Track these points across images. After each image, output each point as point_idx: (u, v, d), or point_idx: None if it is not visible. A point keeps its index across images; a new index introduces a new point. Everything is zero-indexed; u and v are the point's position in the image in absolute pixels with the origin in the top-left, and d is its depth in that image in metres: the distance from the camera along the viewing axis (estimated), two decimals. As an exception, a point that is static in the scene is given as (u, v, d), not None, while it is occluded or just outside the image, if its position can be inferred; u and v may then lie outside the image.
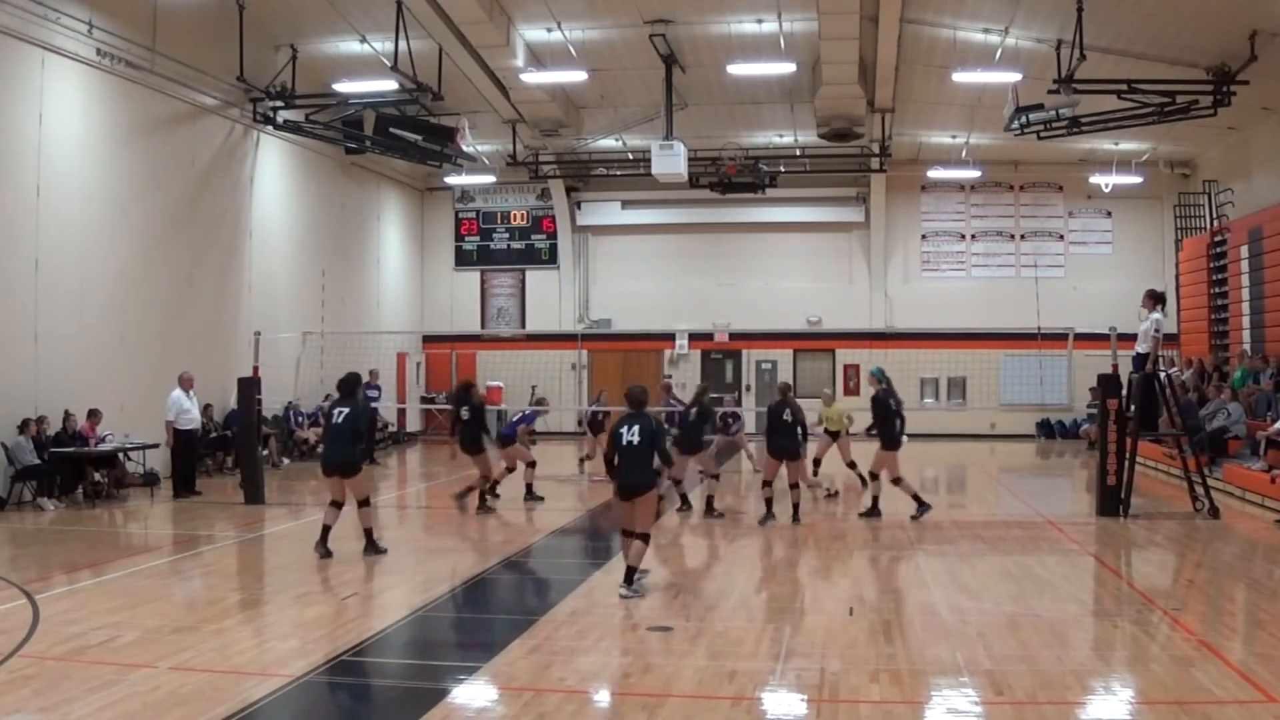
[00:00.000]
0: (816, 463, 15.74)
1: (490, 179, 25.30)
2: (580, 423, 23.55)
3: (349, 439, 10.54)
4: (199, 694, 6.03)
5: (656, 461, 8.71)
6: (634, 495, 8.70)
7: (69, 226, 15.06)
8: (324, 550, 10.42)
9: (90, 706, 5.81)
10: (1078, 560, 10.52)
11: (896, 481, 12.76)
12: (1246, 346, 18.97)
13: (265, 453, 16.82)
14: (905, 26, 17.82)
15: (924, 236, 26.79)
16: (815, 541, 11.40)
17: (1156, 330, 13.28)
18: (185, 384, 15.37)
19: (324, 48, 19.77)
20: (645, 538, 8.76)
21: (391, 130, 18.91)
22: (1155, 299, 13.65)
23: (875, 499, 13.03)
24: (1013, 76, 17.70)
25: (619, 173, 25.13)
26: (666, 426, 14.03)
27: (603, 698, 6.25)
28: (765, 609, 8.44)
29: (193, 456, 15.66)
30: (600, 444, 14.93)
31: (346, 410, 10.55)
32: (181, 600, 8.82)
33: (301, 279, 21.94)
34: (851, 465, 15.51)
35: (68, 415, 14.45)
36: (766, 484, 12.72)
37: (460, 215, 28.30)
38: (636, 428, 8.65)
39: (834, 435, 15.73)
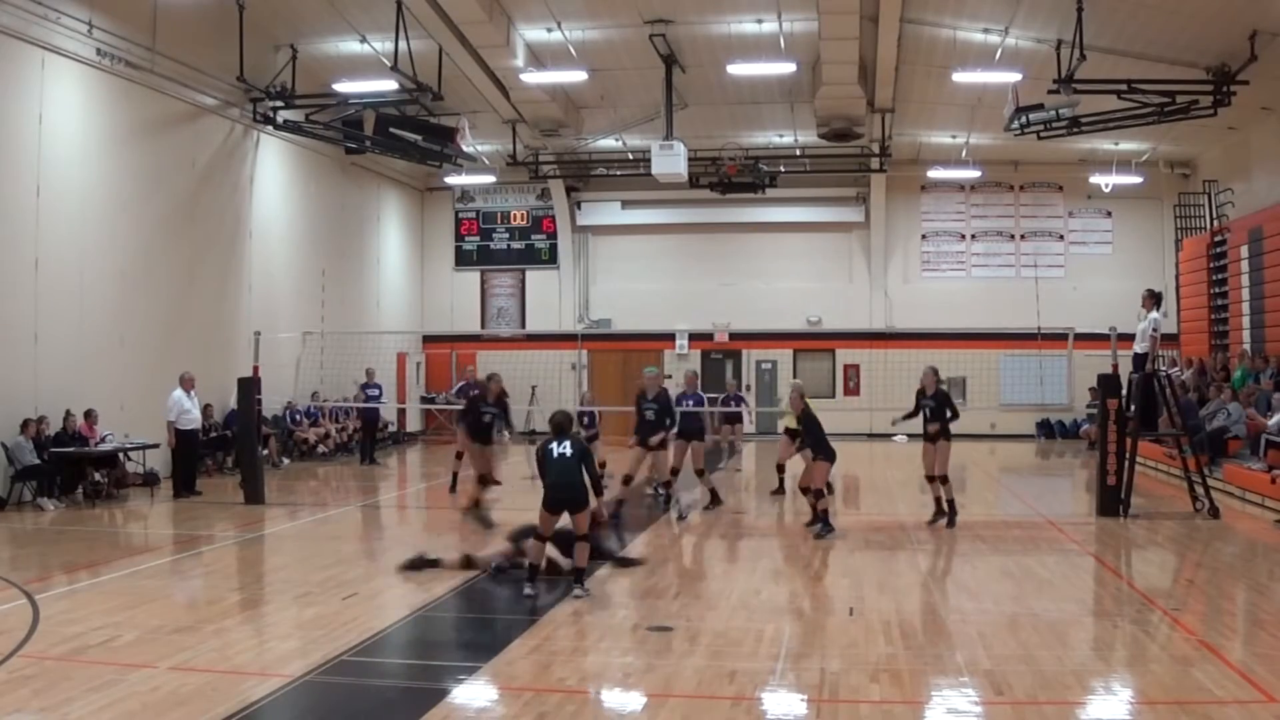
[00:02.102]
0: (780, 468, 15.09)
1: (490, 179, 25.31)
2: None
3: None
4: (199, 694, 6.03)
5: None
6: (570, 509, 8.68)
7: (69, 226, 15.06)
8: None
9: (90, 706, 5.81)
10: (1078, 560, 10.52)
11: (676, 473, 13.27)
12: (1246, 346, 18.97)
13: (265, 453, 16.82)
14: (905, 26, 17.81)
15: (924, 236, 26.79)
16: (814, 541, 11.38)
17: (1154, 330, 13.29)
18: (186, 384, 15.33)
19: (324, 48, 19.77)
20: (587, 538, 8.79)
21: (391, 130, 18.89)
22: (1154, 298, 13.65)
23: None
24: (1013, 76, 17.69)
25: (619, 173, 25.13)
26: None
27: (603, 698, 6.25)
28: (765, 609, 8.43)
29: (193, 457, 15.63)
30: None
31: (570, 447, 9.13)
32: (181, 600, 8.83)
33: (301, 279, 21.94)
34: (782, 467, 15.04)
35: (68, 415, 14.46)
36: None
37: (460, 215, 28.30)
38: (568, 443, 8.78)
39: (794, 434, 14.65)
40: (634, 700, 6.15)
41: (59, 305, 14.83)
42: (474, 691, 6.31)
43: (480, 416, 13.65)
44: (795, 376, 26.65)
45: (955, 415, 12.25)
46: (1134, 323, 14.22)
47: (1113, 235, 26.15)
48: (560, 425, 8.96)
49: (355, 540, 12.24)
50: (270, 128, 19.58)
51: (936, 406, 12.23)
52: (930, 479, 12.34)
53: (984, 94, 19.73)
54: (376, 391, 19.97)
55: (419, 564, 9.67)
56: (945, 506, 12.26)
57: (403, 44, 16.92)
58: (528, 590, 8.60)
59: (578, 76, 19.83)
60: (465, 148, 20.22)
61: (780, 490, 14.92)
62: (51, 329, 14.67)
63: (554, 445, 8.79)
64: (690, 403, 14.19)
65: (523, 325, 27.83)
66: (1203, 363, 20.37)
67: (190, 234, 17.92)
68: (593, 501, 8.80)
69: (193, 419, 15.52)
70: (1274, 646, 7.12)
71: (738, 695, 6.13)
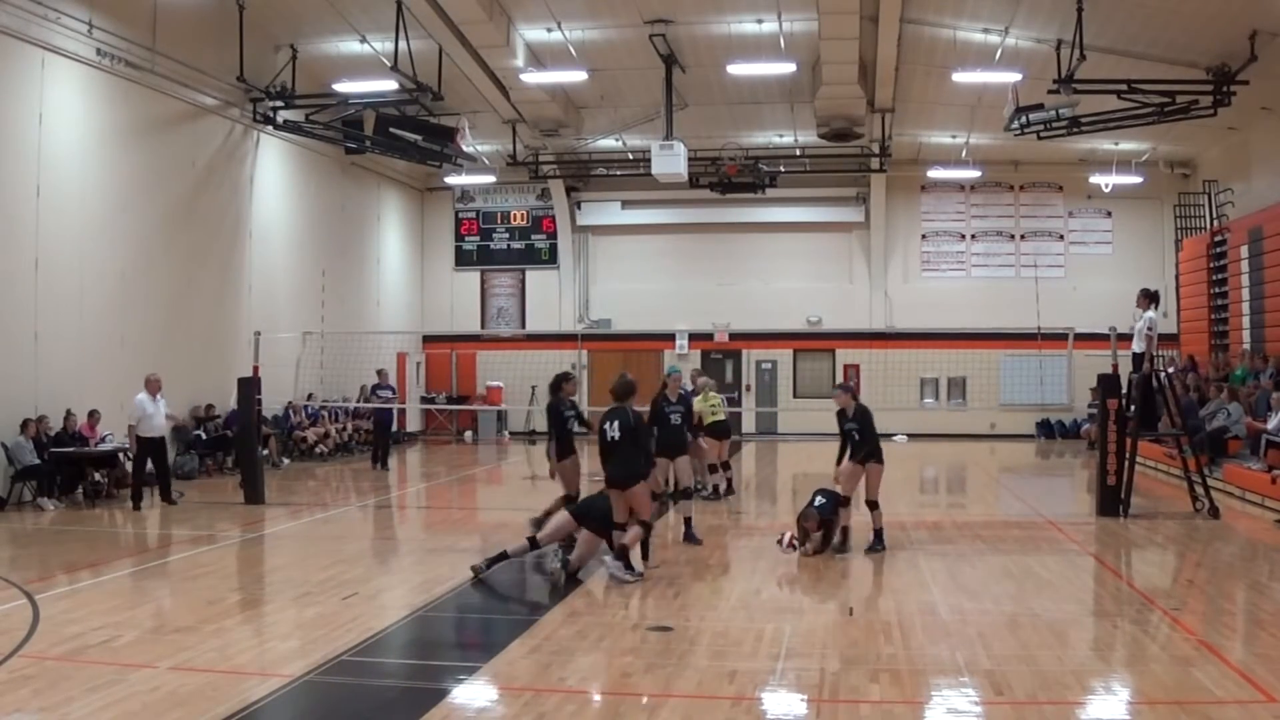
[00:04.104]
0: (721, 467, 14.72)
1: (490, 179, 25.31)
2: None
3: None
4: (199, 694, 6.03)
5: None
6: (623, 486, 9.05)
7: (69, 226, 15.06)
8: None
9: (90, 706, 5.80)
10: (1078, 560, 10.51)
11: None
12: (1246, 346, 18.98)
13: (265, 453, 16.80)
14: (905, 26, 17.82)
15: (924, 236, 26.79)
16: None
17: (1149, 329, 13.28)
18: (152, 387, 14.09)
19: (324, 48, 19.78)
20: (647, 526, 9.20)
21: (391, 130, 18.90)
22: (1150, 298, 13.64)
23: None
24: (1013, 76, 17.70)
25: (619, 173, 25.13)
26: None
27: (603, 698, 6.25)
28: (765, 609, 8.42)
29: (161, 465, 14.40)
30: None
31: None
32: (181, 600, 8.81)
33: (301, 279, 21.94)
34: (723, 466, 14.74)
35: (69, 414, 14.45)
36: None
37: (460, 215, 28.30)
38: (617, 423, 9.08)
39: (713, 430, 14.26)
40: (634, 700, 6.15)
41: (59, 305, 14.83)
42: (474, 691, 6.30)
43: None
44: (795, 376, 26.70)
45: (875, 444, 10.53)
46: (1133, 323, 14.21)
47: (1113, 235, 26.15)
48: (616, 393, 9.30)
49: (355, 540, 12.24)
50: (270, 128, 19.59)
51: (861, 428, 10.49)
52: (847, 500, 10.58)
53: (984, 94, 19.73)
54: (389, 393, 19.49)
55: (494, 561, 9.47)
56: (873, 534, 10.64)
57: (403, 44, 16.93)
58: (614, 570, 9.01)
59: (578, 76, 19.83)
60: (465, 148, 20.22)
61: (730, 489, 14.83)
62: (51, 329, 14.67)
63: (606, 426, 9.10)
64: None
65: (523, 325, 27.84)
66: (1194, 361, 20.43)
67: (190, 234, 17.92)
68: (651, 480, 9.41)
69: (156, 426, 14.11)
70: (1274, 646, 7.11)
71: (738, 695, 6.13)
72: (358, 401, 20.77)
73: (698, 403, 13.87)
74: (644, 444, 9.24)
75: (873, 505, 10.64)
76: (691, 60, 20.02)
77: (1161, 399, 13.75)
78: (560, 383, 10.82)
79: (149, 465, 14.28)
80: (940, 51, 18.97)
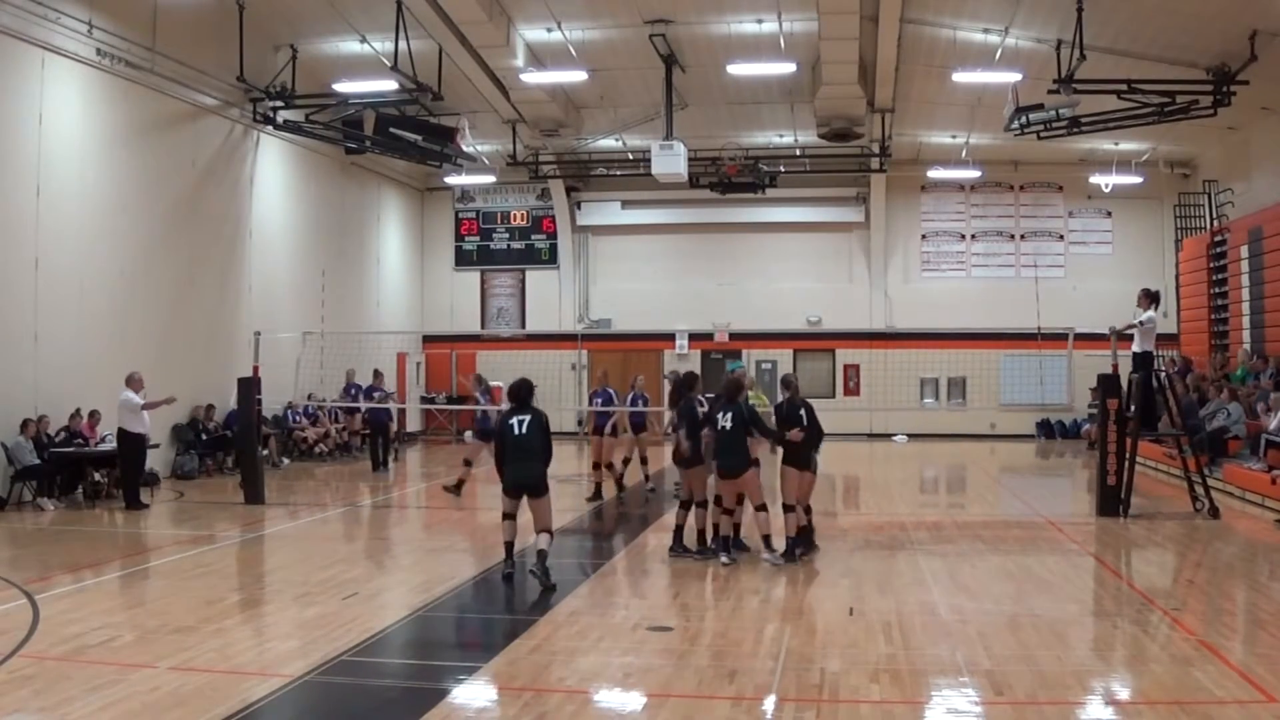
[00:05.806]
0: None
1: (490, 179, 25.29)
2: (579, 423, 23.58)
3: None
4: (199, 694, 6.03)
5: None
6: (733, 475, 9.76)
7: (69, 226, 15.06)
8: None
9: (90, 706, 5.81)
10: (1078, 560, 10.52)
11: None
12: (1246, 346, 18.98)
13: (265, 453, 16.79)
14: (905, 26, 17.81)
15: (924, 236, 26.78)
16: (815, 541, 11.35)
17: (1144, 324, 13.27)
18: (136, 385, 14.04)
19: (324, 48, 19.77)
20: (763, 508, 9.79)
21: (391, 130, 18.89)
22: (1150, 297, 13.65)
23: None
24: (1013, 76, 17.69)
25: (619, 173, 25.13)
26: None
27: (603, 698, 6.25)
28: (765, 609, 8.43)
29: (142, 465, 14.32)
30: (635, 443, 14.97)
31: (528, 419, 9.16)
32: (181, 600, 8.80)
33: (301, 279, 21.93)
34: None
35: (76, 413, 14.45)
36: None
37: (460, 215, 28.30)
38: (730, 414, 9.73)
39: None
40: (634, 700, 6.15)
41: (59, 305, 14.82)
42: (474, 691, 6.31)
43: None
44: (794, 375, 26.64)
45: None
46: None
47: (1113, 235, 26.13)
48: (727, 392, 10.04)
49: (355, 540, 12.24)
50: (270, 128, 19.58)
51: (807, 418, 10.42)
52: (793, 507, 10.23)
53: (984, 94, 19.73)
54: (380, 395, 19.39)
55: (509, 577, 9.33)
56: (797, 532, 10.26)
57: (403, 44, 16.92)
58: (724, 559, 9.74)
59: (578, 76, 19.82)
60: (465, 148, 20.21)
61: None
62: (51, 329, 14.67)
63: (719, 416, 9.77)
64: (599, 401, 14.82)
65: (523, 325, 27.82)
66: (1188, 362, 20.39)
67: (190, 234, 17.92)
68: (759, 450, 10.01)
69: (144, 423, 14.10)
70: (1274, 646, 7.12)
71: (738, 695, 6.13)
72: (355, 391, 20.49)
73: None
74: (761, 431, 9.93)
75: (788, 509, 10.24)
76: (691, 60, 20.02)
77: (1161, 399, 13.75)
78: (692, 381, 10.97)
79: (121, 464, 14.16)
80: (940, 51, 18.96)
